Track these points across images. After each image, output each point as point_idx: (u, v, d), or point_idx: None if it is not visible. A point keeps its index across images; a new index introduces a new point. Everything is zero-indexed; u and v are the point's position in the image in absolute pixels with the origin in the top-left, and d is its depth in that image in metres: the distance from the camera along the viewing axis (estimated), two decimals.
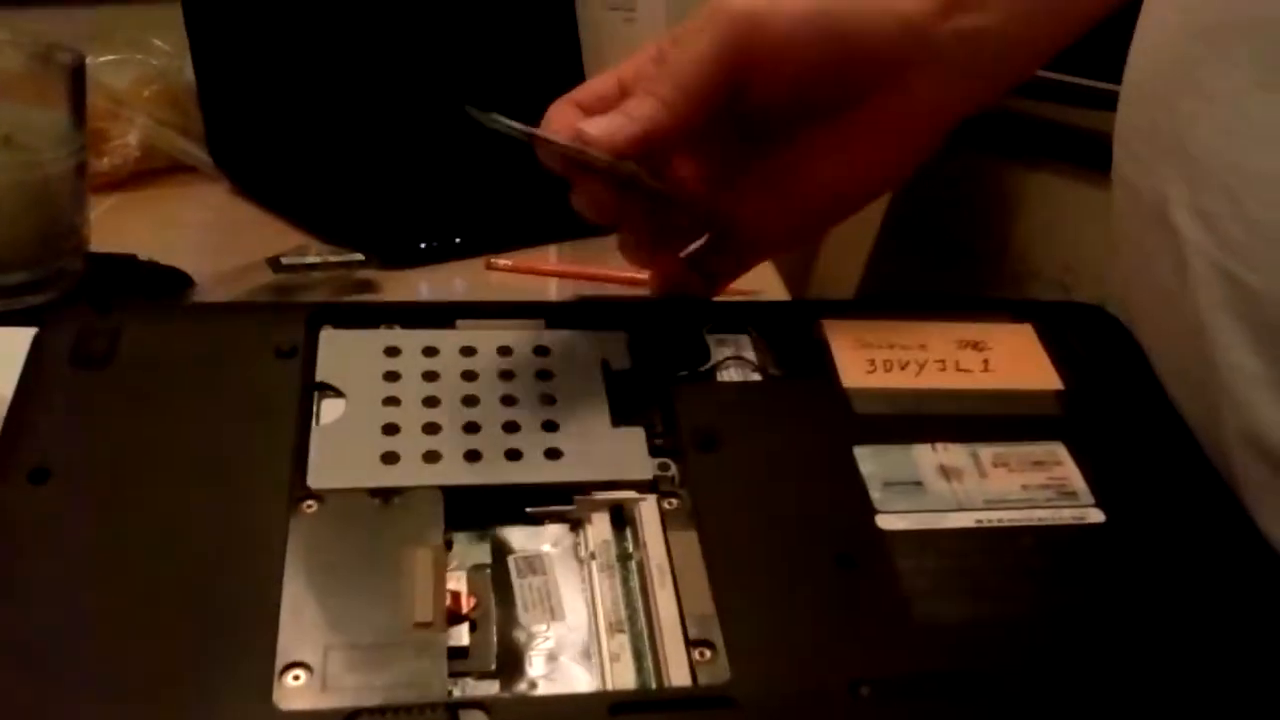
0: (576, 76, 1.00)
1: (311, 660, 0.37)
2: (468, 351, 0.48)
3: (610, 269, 0.97)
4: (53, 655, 0.37)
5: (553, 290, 0.91)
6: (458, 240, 0.95)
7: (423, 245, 0.94)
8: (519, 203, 1.03)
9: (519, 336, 0.49)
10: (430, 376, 0.47)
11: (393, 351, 0.48)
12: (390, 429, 0.45)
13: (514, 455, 0.45)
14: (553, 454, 0.45)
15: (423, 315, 0.50)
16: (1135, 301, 0.52)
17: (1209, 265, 0.44)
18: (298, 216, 0.97)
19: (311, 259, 0.89)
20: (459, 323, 0.50)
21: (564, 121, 0.48)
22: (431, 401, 0.46)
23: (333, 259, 0.89)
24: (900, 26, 0.49)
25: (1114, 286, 0.57)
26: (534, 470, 0.44)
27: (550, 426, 0.46)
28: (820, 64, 0.49)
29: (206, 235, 0.96)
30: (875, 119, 0.51)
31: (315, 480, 0.43)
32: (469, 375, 0.47)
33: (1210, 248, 0.44)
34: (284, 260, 0.88)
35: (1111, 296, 0.57)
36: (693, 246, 0.55)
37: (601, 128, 0.47)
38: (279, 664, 0.37)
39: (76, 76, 0.71)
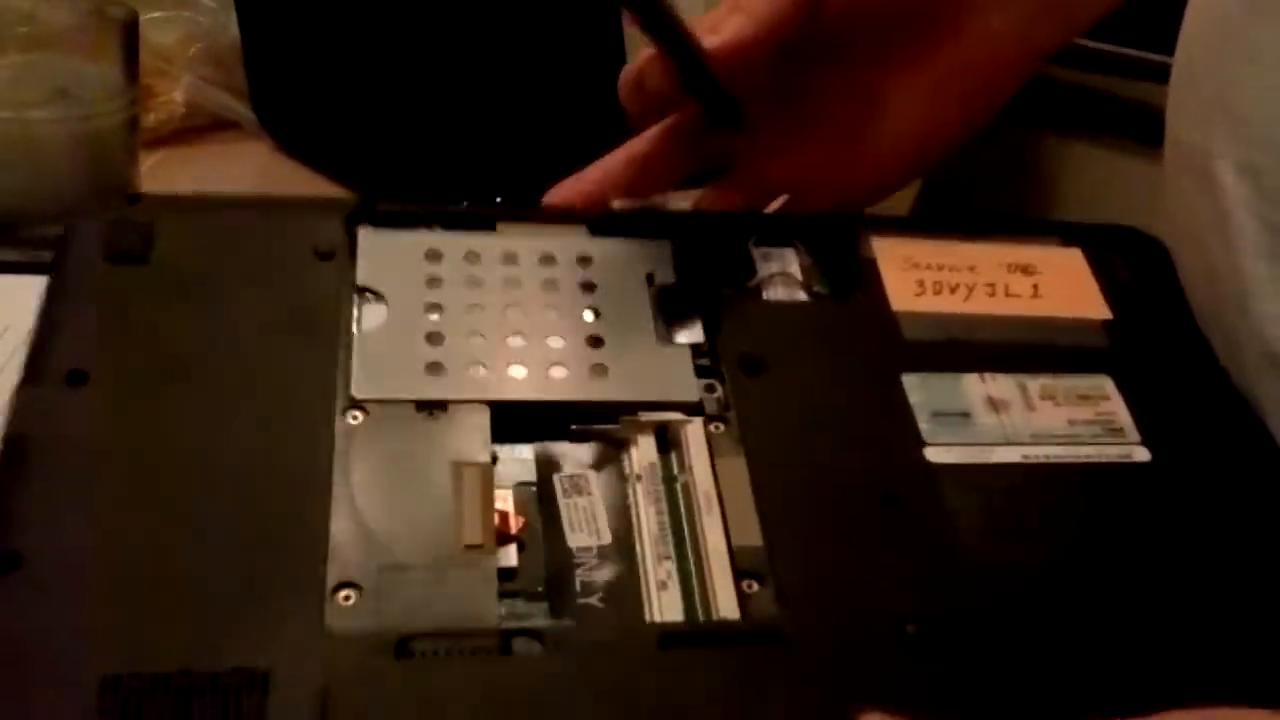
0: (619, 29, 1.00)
1: (362, 580, 0.37)
2: (509, 258, 0.47)
3: None
4: (92, 572, 0.37)
5: None
6: (499, 200, 0.95)
7: (465, 204, 0.94)
8: (562, 164, 1.03)
9: (562, 244, 0.48)
10: (473, 282, 0.46)
11: (434, 256, 0.47)
12: (434, 338, 0.44)
13: (559, 368, 0.44)
14: (598, 370, 0.44)
15: (462, 219, 0.49)
16: (1179, 255, 0.53)
17: (1250, 216, 0.45)
18: (341, 175, 0.98)
19: None
20: (500, 226, 0.49)
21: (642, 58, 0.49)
22: (475, 308, 0.45)
23: None
24: None
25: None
26: (579, 388, 0.44)
27: (596, 342, 0.45)
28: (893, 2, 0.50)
29: (249, 191, 0.97)
30: (953, 57, 0.52)
31: (360, 390, 0.42)
32: (512, 282, 0.46)
33: (1252, 199, 0.45)
34: None
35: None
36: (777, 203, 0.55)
37: (720, 35, 0.47)
38: (330, 583, 0.37)
39: (129, 31, 0.72)
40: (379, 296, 0.45)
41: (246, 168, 1.00)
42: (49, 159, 0.81)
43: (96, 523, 0.38)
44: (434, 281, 0.46)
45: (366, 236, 0.47)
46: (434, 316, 0.45)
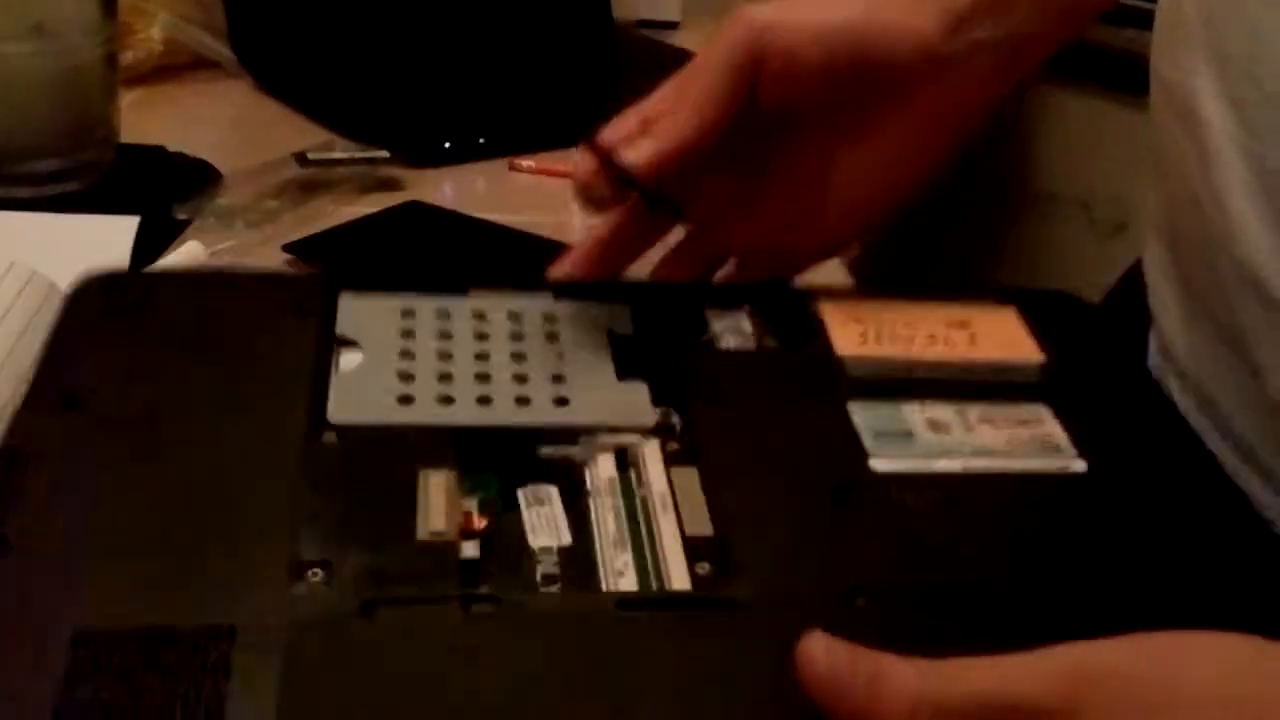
0: None
1: (330, 558, 0.39)
2: (479, 315, 0.51)
3: None
4: (71, 548, 0.39)
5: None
6: (481, 140, 0.95)
7: (447, 145, 0.94)
8: (543, 104, 1.04)
9: (529, 304, 0.52)
10: (444, 335, 0.50)
11: (408, 313, 0.50)
12: (406, 377, 0.47)
13: (523, 401, 0.47)
14: (560, 401, 0.47)
15: (436, 281, 0.53)
16: (1165, 194, 0.55)
17: (1235, 149, 0.46)
18: (321, 114, 0.98)
19: (336, 155, 0.90)
20: (471, 291, 0.52)
21: (584, 155, 0.52)
22: (445, 355, 0.48)
23: (358, 155, 0.90)
24: (910, 40, 0.51)
25: (1148, 188, 0.59)
26: (542, 413, 0.46)
27: (558, 379, 0.48)
28: (832, 75, 0.51)
29: (231, 131, 0.97)
30: (886, 128, 0.53)
31: (334, 415, 0.45)
32: (481, 335, 0.50)
33: (1237, 133, 0.46)
34: (310, 155, 0.89)
35: (1137, 210, 0.60)
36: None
37: (637, 150, 0.51)
38: (296, 563, 0.39)
39: None
40: (355, 345, 0.49)
41: (227, 107, 1.00)
42: (26, 95, 0.81)
43: (80, 514, 0.40)
44: (408, 334, 0.49)
45: (346, 299, 0.51)
46: (406, 361, 0.48)
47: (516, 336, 0.50)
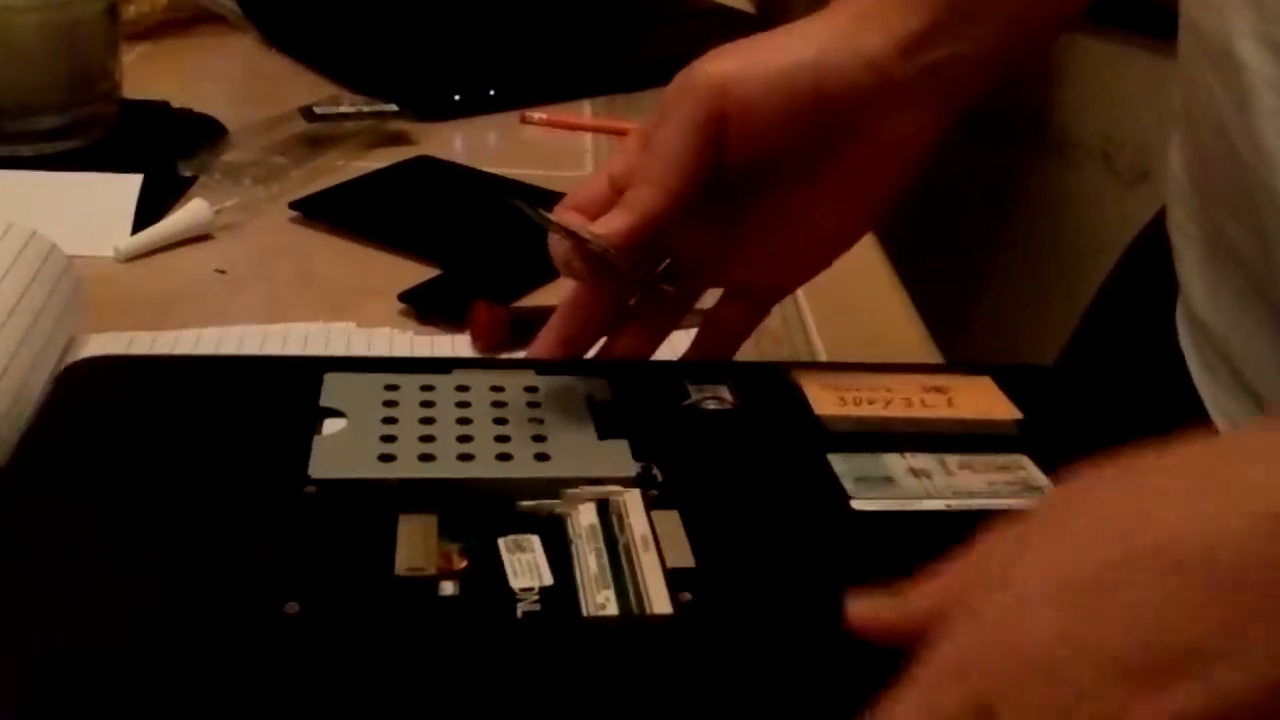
0: None
1: (304, 593, 0.40)
2: (462, 388, 0.52)
3: (642, 123, 0.96)
4: (49, 585, 0.40)
5: (587, 144, 0.90)
6: (491, 93, 0.94)
7: (456, 98, 0.93)
8: (552, 57, 1.02)
9: (511, 379, 0.53)
10: (427, 404, 0.50)
11: (392, 387, 0.51)
12: (388, 439, 0.48)
13: (504, 458, 0.48)
14: (541, 457, 0.48)
15: (420, 365, 0.54)
16: (1196, 142, 0.54)
17: (1274, 93, 0.46)
18: (329, 68, 0.96)
19: (345, 109, 0.88)
20: (455, 370, 0.53)
21: (567, 217, 0.52)
22: (427, 421, 0.49)
23: (366, 109, 0.89)
24: (866, 70, 0.50)
25: (1175, 136, 0.58)
26: (523, 468, 0.47)
27: (539, 439, 0.49)
28: (795, 117, 0.51)
29: (237, 86, 0.96)
30: (853, 160, 0.53)
31: (316, 470, 0.46)
32: (463, 404, 0.51)
33: (1275, 75, 0.45)
34: (317, 110, 0.87)
35: (1160, 159, 0.59)
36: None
37: (608, 226, 0.50)
38: (271, 595, 0.40)
39: None
40: (340, 414, 0.50)
41: (233, 61, 0.98)
42: (25, 50, 0.80)
43: (57, 546, 0.42)
44: (391, 404, 0.50)
45: (332, 377, 0.52)
46: (389, 426, 0.49)
47: (499, 404, 0.51)
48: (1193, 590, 0.31)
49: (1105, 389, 0.58)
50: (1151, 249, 0.63)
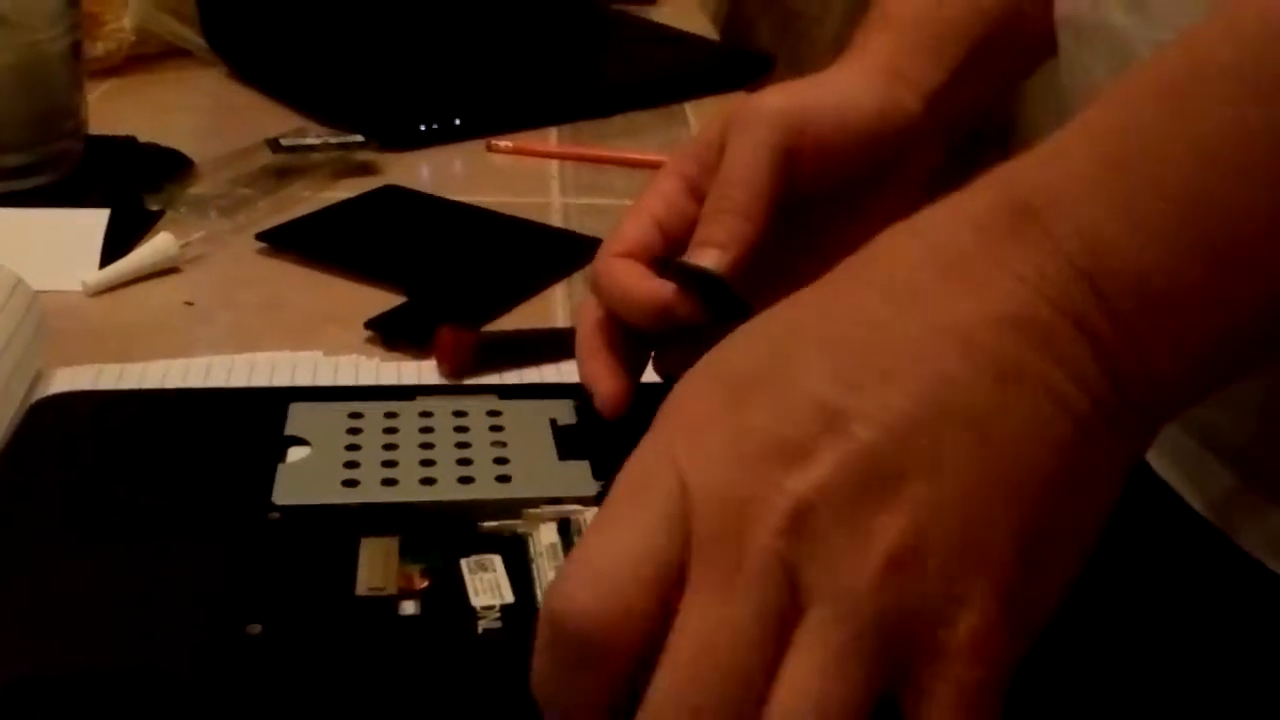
0: None
1: (267, 614, 0.41)
2: (425, 414, 0.53)
3: (609, 150, 0.96)
4: (9, 612, 0.41)
5: (554, 171, 0.91)
6: (458, 122, 0.94)
7: (422, 127, 0.93)
8: (517, 85, 1.02)
9: (474, 404, 0.54)
10: (390, 430, 0.51)
11: (356, 415, 0.52)
12: (351, 464, 0.49)
13: (466, 480, 0.48)
14: (503, 479, 0.49)
15: (384, 393, 0.55)
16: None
17: (1150, 47, 0.47)
18: (295, 100, 0.97)
19: (311, 140, 0.89)
20: (418, 396, 0.54)
21: (629, 276, 0.50)
22: (390, 447, 0.50)
23: (332, 140, 0.89)
24: (905, 118, 0.56)
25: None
26: (485, 490, 0.48)
27: (500, 461, 0.50)
28: (858, 155, 0.54)
29: (204, 119, 0.96)
30: (888, 193, 0.57)
31: (280, 497, 0.47)
32: (426, 429, 0.52)
33: (1143, 28, 0.48)
34: (283, 142, 0.88)
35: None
36: None
37: (717, 260, 0.49)
38: (235, 616, 0.41)
39: None
40: (304, 442, 0.51)
41: (200, 95, 0.99)
42: None
43: (18, 572, 0.43)
44: (355, 431, 0.51)
45: (297, 407, 0.53)
46: (353, 452, 0.50)
47: (461, 429, 0.52)
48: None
49: None
50: None
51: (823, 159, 0.53)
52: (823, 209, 0.55)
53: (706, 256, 0.49)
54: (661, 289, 0.49)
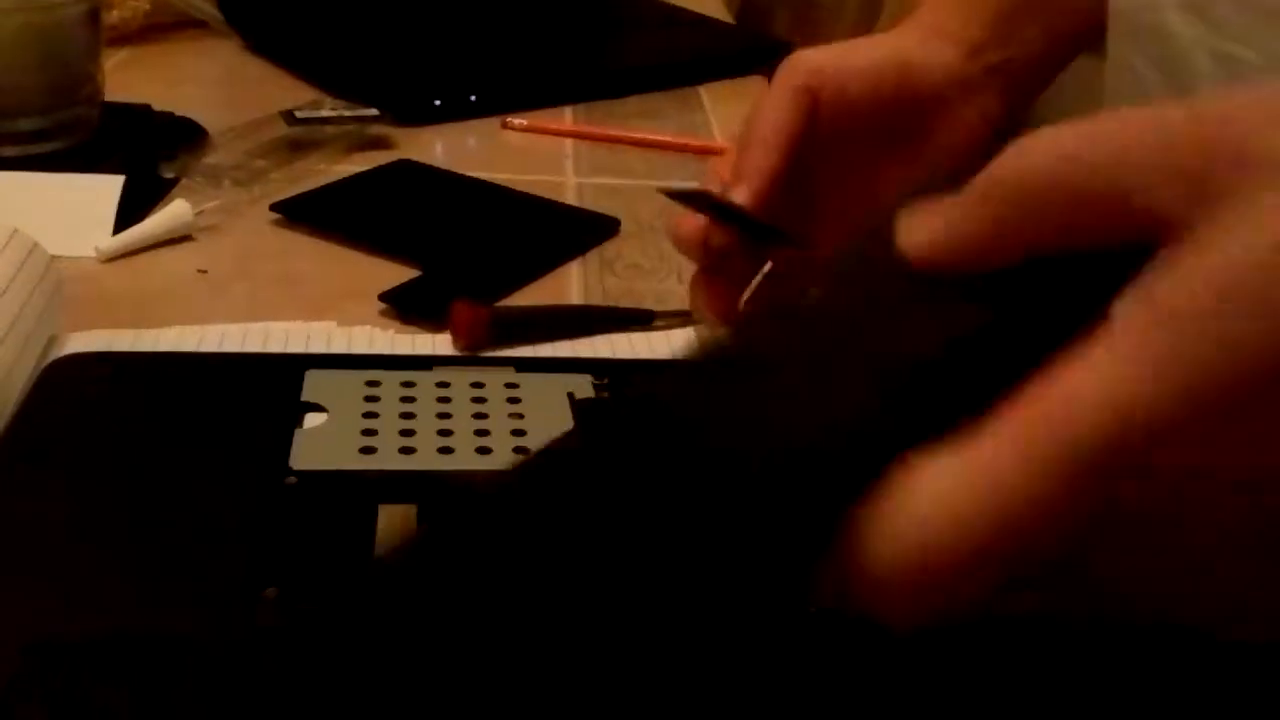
0: None
1: (285, 578, 0.41)
2: (443, 385, 0.53)
3: (623, 130, 0.96)
4: (26, 574, 0.41)
5: (568, 150, 0.91)
6: (473, 99, 0.94)
7: (437, 103, 0.93)
8: (534, 64, 1.02)
9: (491, 376, 0.54)
10: (408, 400, 0.51)
11: (373, 383, 0.52)
12: (369, 432, 0.49)
13: (484, 451, 0.48)
14: (521, 450, 0.49)
15: (401, 362, 0.55)
16: None
17: (1207, 55, 0.47)
18: (310, 73, 0.96)
19: (326, 113, 0.88)
20: (435, 366, 0.55)
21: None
22: (408, 415, 0.50)
23: (347, 114, 0.89)
24: (941, 70, 0.57)
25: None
26: (503, 460, 0.48)
27: (519, 432, 0.50)
28: (879, 101, 0.56)
29: (219, 90, 0.96)
30: (924, 147, 0.58)
31: (297, 462, 0.47)
32: (443, 399, 0.52)
33: (1204, 37, 0.48)
34: (298, 114, 0.87)
35: None
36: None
37: (739, 193, 0.52)
38: (252, 580, 0.41)
39: None
40: (321, 409, 0.51)
41: (215, 66, 0.99)
42: (7, 52, 0.80)
43: (36, 534, 0.43)
44: (372, 399, 0.51)
45: (313, 374, 0.53)
46: (370, 420, 0.50)
47: (479, 400, 0.52)
48: None
49: None
50: None
51: (844, 100, 0.55)
52: (857, 150, 0.57)
53: (736, 194, 0.52)
54: (695, 222, 0.52)
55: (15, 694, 0.36)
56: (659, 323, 0.64)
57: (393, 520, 0.43)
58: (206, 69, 0.97)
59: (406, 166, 0.83)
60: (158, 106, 0.85)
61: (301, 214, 0.75)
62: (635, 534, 0.28)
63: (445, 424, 0.49)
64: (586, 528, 0.29)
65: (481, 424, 0.49)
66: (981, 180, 0.29)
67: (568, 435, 0.32)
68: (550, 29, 1.02)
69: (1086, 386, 0.25)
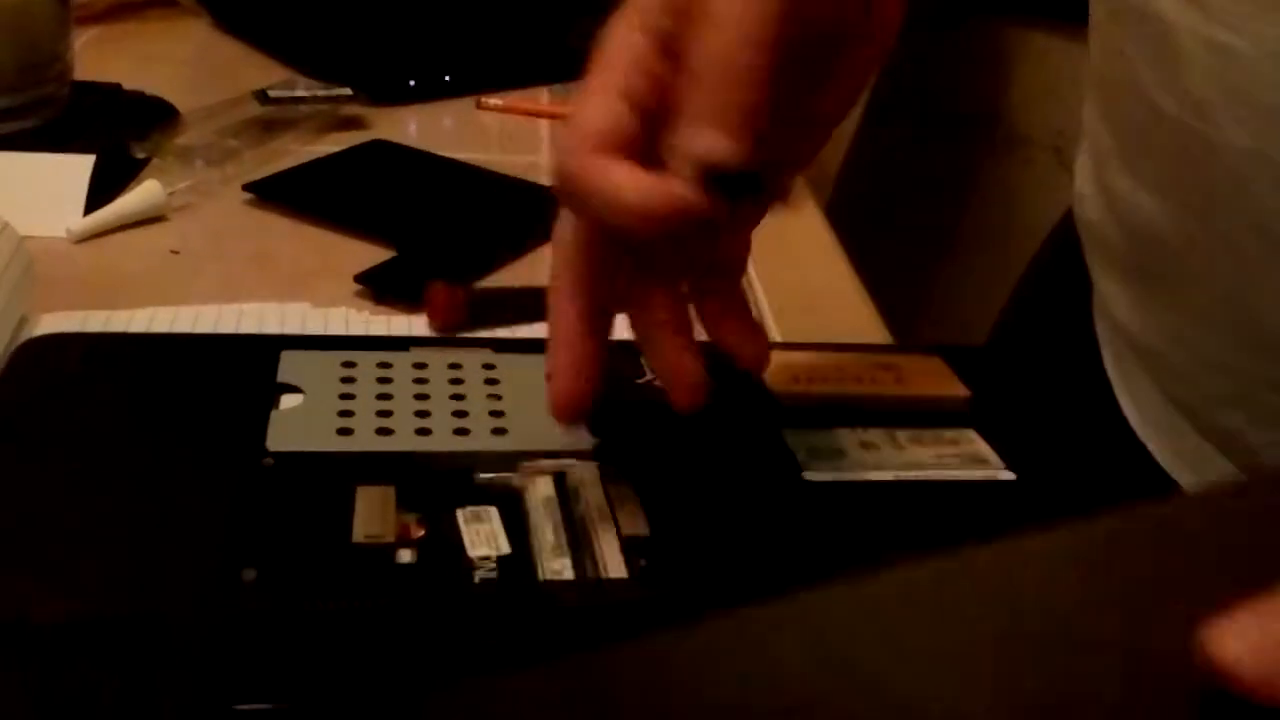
0: None
1: (262, 558, 0.40)
2: (420, 365, 0.52)
3: None
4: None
5: (543, 130, 0.90)
6: (447, 78, 0.93)
7: (412, 82, 0.92)
8: (510, 43, 1.01)
9: (469, 357, 0.53)
10: (384, 380, 0.51)
11: (349, 364, 0.52)
12: (345, 413, 0.48)
13: (462, 432, 0.48)
14: (499, 431, 0.48)
15: (378, 343, 0.54)
16: (1114, 115, 0.55)
17: (1199, 42, 0.46)
18: (283, 52, 0.96)
19: (299, 93, 0.88)
20: (412, 347, 0.54)
21: (621, 176, 0.39)
22: (385, 397, 0.50)
23: (320, 93, 0.88)
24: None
25: (1088, 113, 0.59)
26: (481, 442, 0.47)
27: (496, 414, 0.49)
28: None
29: (190, 69, 0.95)
30: (861, 57, 0.48)
31: (274, 443, 0.46)
32: (420, 380, 0.51)
33: (1198, 23, 0.46)
34: (271, 94, 0.87)
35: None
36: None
37: (729, 148, 0.38)
38: (230, 560, 0.40)
39: None
40: (297, 390, 0.50)
41: (186, 45, 0.98)
42: None
43: (8, 513, 0.42)
44: (348, 380, 0.51)
45: (289, 355, 0.52)
46: (346, 401, 0.49)
47: (456, 381, 0.51)
48: None
49: (1032, 368, 0.59)
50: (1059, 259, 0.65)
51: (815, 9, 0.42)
52: (819, 55, 0.45)
53: (720, 143, 0.38)
54: (672, 187, 0.38)
55: None
56: None
57: (371, 501, 0.43)
58: (177, 48, 0.96)
59: (381, 146, 0.83)
60: (128, 86, 0.84)
61: (275, 194, 0.75)
62: None
63: (423, 405, 0.49)
64: None
65: (459, 405, 0.49)
66: None
67: None
68: (525, 8, 1.01)
69: None
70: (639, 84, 0.40)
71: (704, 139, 0.38)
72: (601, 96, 0.40)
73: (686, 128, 0.38)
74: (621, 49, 0.40)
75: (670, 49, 0.39)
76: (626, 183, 0.38)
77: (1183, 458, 0.54)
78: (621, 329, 0.57)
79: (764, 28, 0.38)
